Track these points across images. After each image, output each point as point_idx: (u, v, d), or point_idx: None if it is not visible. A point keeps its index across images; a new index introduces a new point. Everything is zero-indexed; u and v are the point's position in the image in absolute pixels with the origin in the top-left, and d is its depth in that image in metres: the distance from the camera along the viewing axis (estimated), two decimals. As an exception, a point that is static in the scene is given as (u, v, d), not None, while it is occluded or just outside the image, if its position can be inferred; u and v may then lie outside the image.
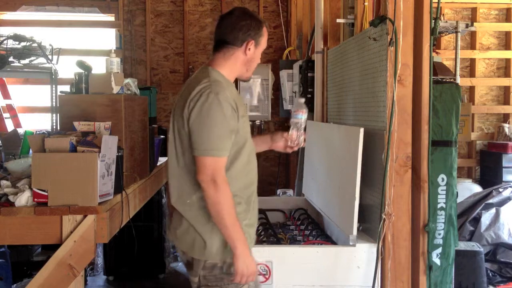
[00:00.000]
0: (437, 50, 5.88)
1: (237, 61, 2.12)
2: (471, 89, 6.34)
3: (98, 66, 3.99)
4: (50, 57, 4.38)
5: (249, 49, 2.12)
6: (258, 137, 2.40)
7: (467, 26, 4.60)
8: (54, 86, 4.79)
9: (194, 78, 2.11)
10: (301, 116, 2.28)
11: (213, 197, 1.96)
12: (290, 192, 4.77)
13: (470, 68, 6.36)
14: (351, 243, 2.51)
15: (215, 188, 1.95)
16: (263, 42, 2.18)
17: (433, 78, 2.47)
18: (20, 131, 4.55)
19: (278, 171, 6.04)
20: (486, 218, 4.33)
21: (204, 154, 1.96)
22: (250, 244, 2.10)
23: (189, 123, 1.99)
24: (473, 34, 6.24)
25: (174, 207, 2.13)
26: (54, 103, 4.77)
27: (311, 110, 3.99)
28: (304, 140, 2.34)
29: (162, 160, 3.76)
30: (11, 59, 4.25)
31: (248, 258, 2.00)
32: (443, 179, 2.52)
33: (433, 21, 2.44)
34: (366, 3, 2.93)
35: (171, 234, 2.18)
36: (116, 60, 3.07)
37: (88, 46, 5.94)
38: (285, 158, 6.06)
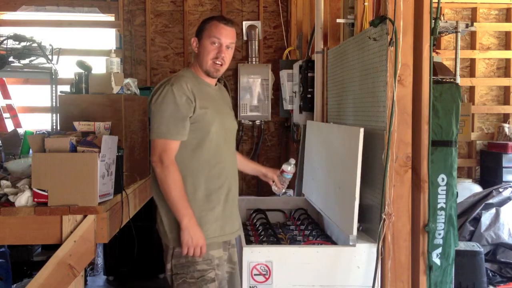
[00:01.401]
0: (437, 50, 5.88)
1: (196, 59, 2.36)
2: (471, 89, 6.34)
3: (98, 66, 3.99)
4: (50, 57, 4.38)
5: (194, 44, 2.35)
6: (252, 163, 2.79)
7: (467, 26, 4.60)
8: (54, 86, 4.79)
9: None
10: (289, 176, 2.68)
11: (160, 175, 2.17)
12: (290, 192, 4.77)
13: (470, 68, 6.36)
14: (351, 243, 2.51)
15: (161, 167, 2.16)
16: (206, 34, 2.30)
17: (433, 78, 2.47)
18: (20, 131, 4.55)
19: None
20: (486, 218, 4.33)
21: (155, 136, 2.19)
22: (223, 237, 2.30)
23: (149, 113, 2.25)
24: (473, 34, 6.23)
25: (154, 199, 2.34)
26: (54, 103, 4.77)
27: (311, 110, 3.99)
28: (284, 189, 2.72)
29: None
30: (11, 59, 4.25)
31: (193, 230, 2.16)
32: (443, 179, 2.52)
33: (433, 21, 2.44)
34: (366, 3, 2.93)
35: (156, 223, 2.37)
36: (116, 60, 3.07)
37: (88, 46, 5.94)
38: (285, 158, 6.05)
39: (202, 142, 2.24)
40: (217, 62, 2.29)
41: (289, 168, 2.67)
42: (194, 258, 2.20)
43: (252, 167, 2.74)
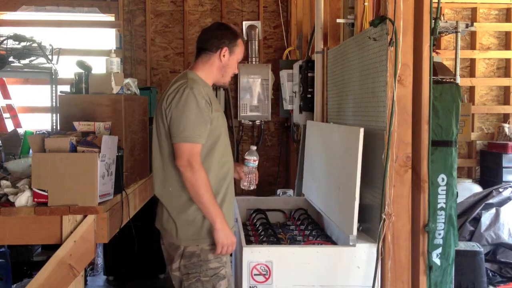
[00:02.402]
0: (437, 50, 5.88)
1: (213, 66, 2.39)
2: (471, 89, 6.34)
3: (98, 66, 3.99)
4: (50, 57, 4.38)
5: (224, 55, 2.38)
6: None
7: (467, 26, 4.60)
8: (54, 86, 4.79)
9: (175, 79, 2.38)
10: (252, 164, 2.55)
11: (190, 180, 2.20)
12: (290, 192, 4.77)
13: (470, 68, 6.36)
14: (351, 243, 2.51)
15: (192, 171, 2.19)
16: (238, 52, 2.42)
17: (433, 78, 2.47)
18: (20, 131, 4.56)
19: (278, 171, 6.04)
20: (486, 218, 4.33)
21: (181, 140, 2.21)
22: None
23: (168, 116, 2.25)
24: (473, 34, 6.23)
25: (158, 197, 2.36)
26: (54, 103, 4.78)
27: (311, 110, 3.99)
28: (255, 183, 2.60)
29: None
30: (11, 59, 4.25)
31: (227, 230, 2.25)
32: (443, 179, 2.52)
33: (433, 21, 2.44)
34: (366, 3, 2.93)
35: (158, 223, 2.41)
36: (116, 60, 3.07)
37: (88, 46, 5.94)
38: (285, 158, 6.06)
39: (215, 144, 2.30)
40: (231, 78, 2.46)
41: (249, 156, 2.57)
42: (206, 257, 2.26)
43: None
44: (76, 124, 2.67)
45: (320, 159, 3.32)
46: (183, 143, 2.21)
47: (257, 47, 5.89)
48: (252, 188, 2.59)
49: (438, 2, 2.45)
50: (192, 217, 2.27)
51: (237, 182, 2.56)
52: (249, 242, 2.84)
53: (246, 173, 2.55)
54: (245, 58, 5.95)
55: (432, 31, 2.44)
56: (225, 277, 2.30)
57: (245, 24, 5.95)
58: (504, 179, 5.71)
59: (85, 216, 2.40)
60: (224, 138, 2.36)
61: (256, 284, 2.47)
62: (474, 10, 6.27)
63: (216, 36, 2.38)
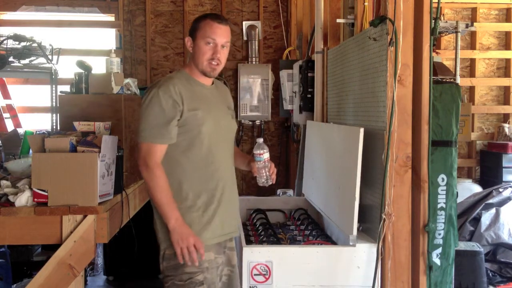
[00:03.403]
0: (437, 50, 5.87)
1: (191, 59, 2.32)
2: (471, 89, 6.34)
3: (98, 66, 3.99)
4: (50, 57, 4.38)
5: (188, 44, 2.30)
6: (240, 154, 2.52)
7: (467, 26, 4.60)
8: (54, 86, 4.79)
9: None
10: (260, 158, 2.32)
11: (146, 179, 2.18)
12: (290, 192, 4.77)
13: (470, 68, 6.36)
14: (351, 243, 2.51)
15: (146, 171, 2.16)
16: (201, 34, 2.25)
17: (433, 78, 2.47)
18: (20, 131, 4.56)
19: (278, 171, 6.02)
20: (486, 218, 4.33)
21: (141, 140, 2.19)
22: (214, 239, 2.25)
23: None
24: (473, 34, 6.23)
25: None
26: (54, 103, 4.78)
27: (311, 110, 3.99)
28: (270, 179, 2.35)
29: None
30: (11, 59, 4.25)
31: (180, 229, 2.15)
32: (443, 179, 2.52)
33: (433, 21, 2.44)
34: (366, 3, 2.93)
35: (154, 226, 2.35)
36: (116, 60, 3.07)
37: (88, 46, 5.94)
38: (285, 158, 6.06)
39: (192, 143, 2.22)
40: (213, 62, 2.24)
41: (257, 150, 2.34)
42: (183, 260, 2.16)
43: (239, 160, 2.49)
44: (76, 124, 2.67)
45: (320, 159, 3.32)
46: (141, 143, 2.18)
47: (257, 47, 5.89)
48: (269, 183, 2.35)
49: (438, 2, 2.45)
50: (163, 221, 2.20)
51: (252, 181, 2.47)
52: (249, 242, 2.84)
53: (260, 169, 2.33)
54: (245, 58, 5.95)
55: (432, 31, 2.44)
56: (203, 283, 2.18)
57: (245, 24, 5.95)
58: (504, 179, 5.71)
59: (85, 216, 2.40)
60: (207, 138, 2.23)
61: (256, 284, 2.47)
62: (474, 10, 6.27)
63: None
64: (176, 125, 2.18)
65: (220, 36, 2.24)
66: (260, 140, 2.36)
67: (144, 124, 2.18)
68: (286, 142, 6.06)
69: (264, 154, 2.32)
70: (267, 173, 2.33)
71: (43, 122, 5.71)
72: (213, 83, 2.37)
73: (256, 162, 2.33)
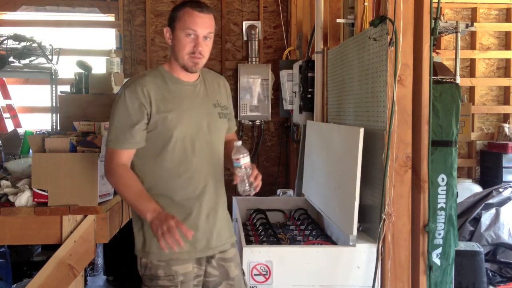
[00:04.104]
0: (437, 50, 5.87)
1: (171, 52, 2.11)
2: (471, 89, 6.34)
3: (98, 66, 3.99)
4: (50, 57, 4.38)
5: (167, 36, 2.09)
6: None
7: (467, 26, 4.60)
8: (54, 86, 4.79)
9: None
10: (238, 163, 2.00)
11: (112, 183, 2.05)
12: (290, 192, 4.76)
13: (470, 68, 6.35)
14: (351, 243, 2.51)
15: (110, 175, 2.01)
16: (180, 26, 2.02)
17: (433, 78, 2.47)
18: (20, 131, 4.56)
19: (278, 171, 6.04)
20: (486, 218, 4.32)
21: (106, 145, 2.04)
22: (192, 253, 2.03)
23: None
24: (473, 34, 6.23)
25: None
26: (54, 103, 4.78)
27: (311, 110, 3.99)
28: (253, 187, 2.04)
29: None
30: (11, 59, 4.26)
31: (157, 216, 1.89)
32: (443, 179, 2.52)
33: (433, 21, 2.44)
34: (366, 3, 2.93)
35: None
36: (116, 60, 3.08)
37: (88, 46, 5.94)
38: (285, 158, 6.06)
39: (163, 149, 2.01)
40: (195, 56, 2.02)
41: (234, 155, 2.01)
42: (156, 272, 2.03)
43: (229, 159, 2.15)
44: (76, 124, 2.68)
45: (320, 159, 3.32)
46: (107, 148, 2.03)
47: (257, 47, 5.89)
48: (252, 192, 2.03)
49: (438, 2, 2.45)
50: (138, 228, 2.07)
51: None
52: (249, 242, 2.84)
53: (240, 176, 2.02)
54: (245, 58, 5.95)
55: (432, 31, 2.44)
56: None
57: (245, 24, 5.95)
58: (504, 179, 5.70)
59: (85, 216, 2.40)
60: (180, 143, 2.02)
61: (256, 284, 2.47)
62: (474, 10, 6.26)
63: None
64: (144, 129, 1.99)
65: (201, 26, 2.00)
66: (238, 143, 2.03)
67: (109, 127, 2.03)
68: (286, 142, 6.06)
69: (241, 159, 2.00)
70: (248, 180, 2.02)
71: (43, 122, 5.71)
72: (199, 77, 2.14)
73: (235, 168, 2.01)
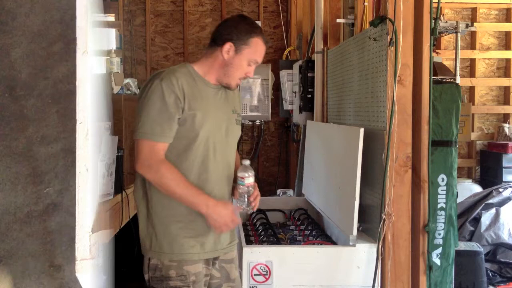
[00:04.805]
0: (437, 50, 5.88)
1: (216, 61, 2.07)
2: (471, 89, 6.34)
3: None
4: (50, 57, 4.37)
5: (228, 51, 2.04)
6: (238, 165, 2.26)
7: (467, 26, 4.60)
8: (54, 86, 4.78)
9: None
10: (242, 182, 2.06)
11: (154, 181, 1.95)
12: (290, 192, 4.77)
13: (470, 68, 6.36)
14: (351, 243, 2.51)
15: (152, 172, 1.94)
16: (247, 52, 2.04)
17: (433, 78, 2.47)
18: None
19: (278, 171, 6.04)
20: (486, 218, 4.33)
21: (139, 136, 1.94)
22: (201, 255, 2.06)
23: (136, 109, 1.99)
24: (473, 34, 6.23)
25: None
26: (54, 103, 4.77)
27: (311, 110, 3.99)
28: (251, 207, 2.12)
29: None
30: (11, 59, 4.25)
31: (214, 210, 1.97)
32: (443, 179, 2.52)
33: (433, 21, 2.44)
34: (366, 3, 2.93)
35: None
36: (116, 60, 3.08)
37: (88, 46, 5.93)
38: (285, 158, 6.06)
39: (187, 148, 1.99)
40: (242, 79, 2.09)
41: (240, 173, 2.06)
42: (168, 273, 2.03)
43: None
44: (76, 124, 2.67)
45: (320, 159, 3.32)
46: (141, 140, 1.93)
47: (257, 47, 5.89)
48: (249, 211, 2.13)
49: (438, 2, 2.45)
50: (151, 228, 2.05)
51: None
52: (249, 242, 2.84)
53: (241, 194, 2.08)
54: (245, 58, 5.95)
55: (432, 31, 2.44)
56: None
57: (245, 24, 5.94)
58: (504, 179, 5.71)
59: (85, 216, 2.39)
60: (203, 144, 2.01)
61: (256, 284, 2.47)
62: (474, 10, 6.27)
63: (227, 29, 2.05)
64: (176, 123, 1.96)
65: (262, 57, 2.10)
66: (247, 162, 2.08)
67: (144, 118, 1.93)
68: (286, 142, 6.06)
69: (246, 179, 2.05)
70: (247, 200, 2.08)
71: (43, 122, 5.70)
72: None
73: (238, 186, 2.07)
